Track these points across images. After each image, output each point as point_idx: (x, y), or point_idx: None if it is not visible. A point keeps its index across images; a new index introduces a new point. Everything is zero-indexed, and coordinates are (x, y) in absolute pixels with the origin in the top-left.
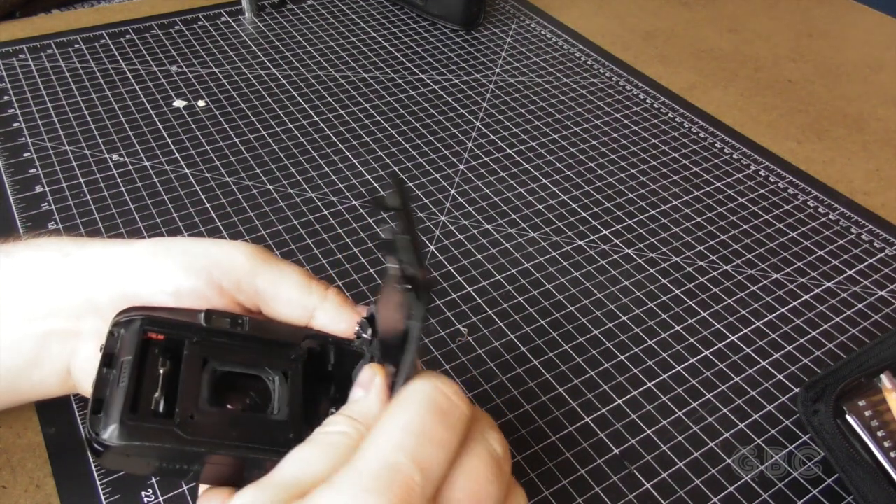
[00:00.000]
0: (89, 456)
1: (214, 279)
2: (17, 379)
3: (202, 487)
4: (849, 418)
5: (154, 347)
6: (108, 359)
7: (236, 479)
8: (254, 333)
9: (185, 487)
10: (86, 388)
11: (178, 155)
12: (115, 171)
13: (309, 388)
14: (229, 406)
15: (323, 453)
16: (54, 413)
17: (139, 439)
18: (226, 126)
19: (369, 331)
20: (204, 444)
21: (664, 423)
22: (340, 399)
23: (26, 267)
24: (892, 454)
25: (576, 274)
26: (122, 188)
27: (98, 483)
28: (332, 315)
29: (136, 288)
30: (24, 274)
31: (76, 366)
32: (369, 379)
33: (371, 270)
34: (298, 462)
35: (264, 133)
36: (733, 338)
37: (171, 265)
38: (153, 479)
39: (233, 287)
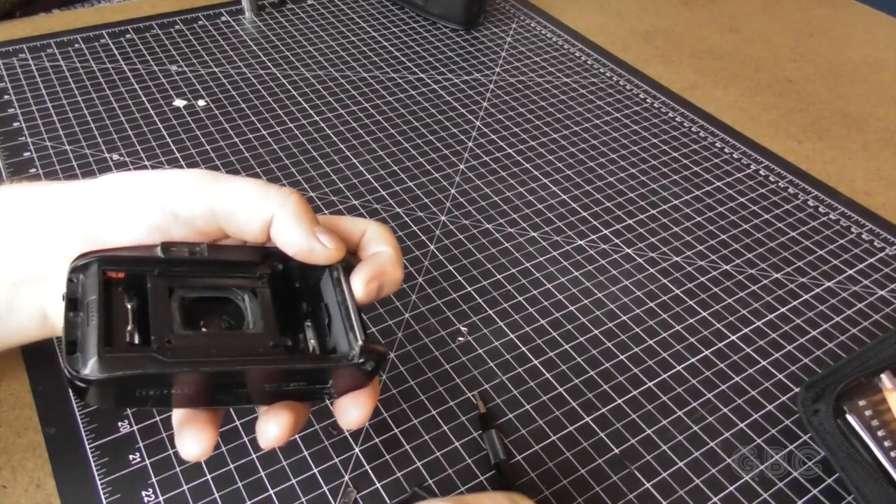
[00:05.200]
0: (72, 397)
1: (168, 209)
2: None
3: (175, 415)
4: (849, 418)
5: (117, 286)
6: (74, 303)
7: (209, 399)
8: (213, 258)
9: (185, 487)
10: None
11: (178, 155)
12: (115, 171)
13: (280, 304)
14: (204, 329)
15: None
16: (54, 413)
17: (120, 369)
18: (226, 126)
19: None
20: (185, 363)
21: (664, 422)
22: (312, 313)
23: None
24: (892, 454)
25: (576, 274)
26: None
27: (98, 483)
28: (286, 225)
29: (96, 229)
30: None
31: (52, 308)
32: None
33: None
34: None
35: (264, 133)
36: (733, 337)
37: (126, 202)
38: (153, 479)
39: (188, 213)
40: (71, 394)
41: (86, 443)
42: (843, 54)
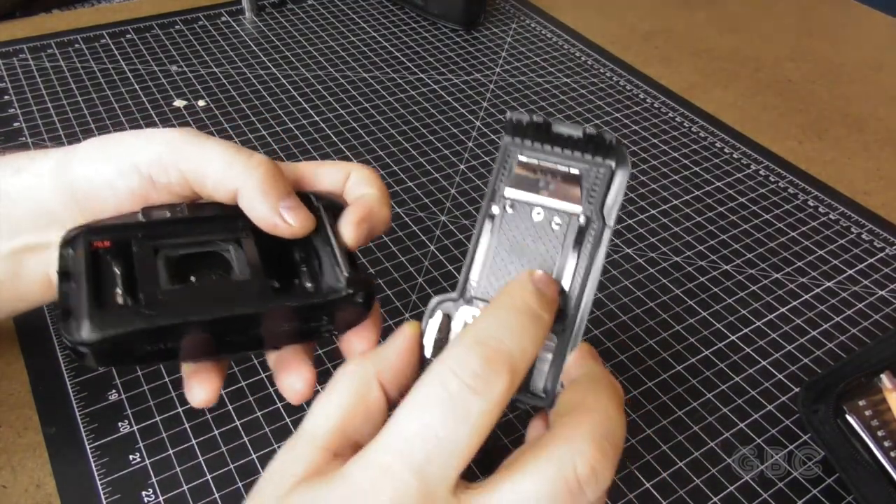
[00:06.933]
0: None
1: (144, 174)
2: (1, 296)
3: (184, 366)
4: (849, 418)
5: (105, 255)
6: (66, 276)
7: (210, 349)
8: (194, 215)
9: (185, 487)
10: None
11: None
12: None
13: (271, 252)
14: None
15: None
16: (54, 413)
17: (111, 328)
18: (226, 126)
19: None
20: (175, 314)
21: (664, 422)
22: (306, 259)
23: None
24: (892, 454)
25: None
26: None
27: (98, 483)
28: (250, 197)
29: (84, 194)
30: None
31: (55, 274)
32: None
33: (371, 270)
34: None
35: (264, 133)
36: (733, 337)
37: (108, 169)
38: (153, 479)
39: (163, 177)
40: (75, 357)
41: (86, 443)
42: (843, 54)
